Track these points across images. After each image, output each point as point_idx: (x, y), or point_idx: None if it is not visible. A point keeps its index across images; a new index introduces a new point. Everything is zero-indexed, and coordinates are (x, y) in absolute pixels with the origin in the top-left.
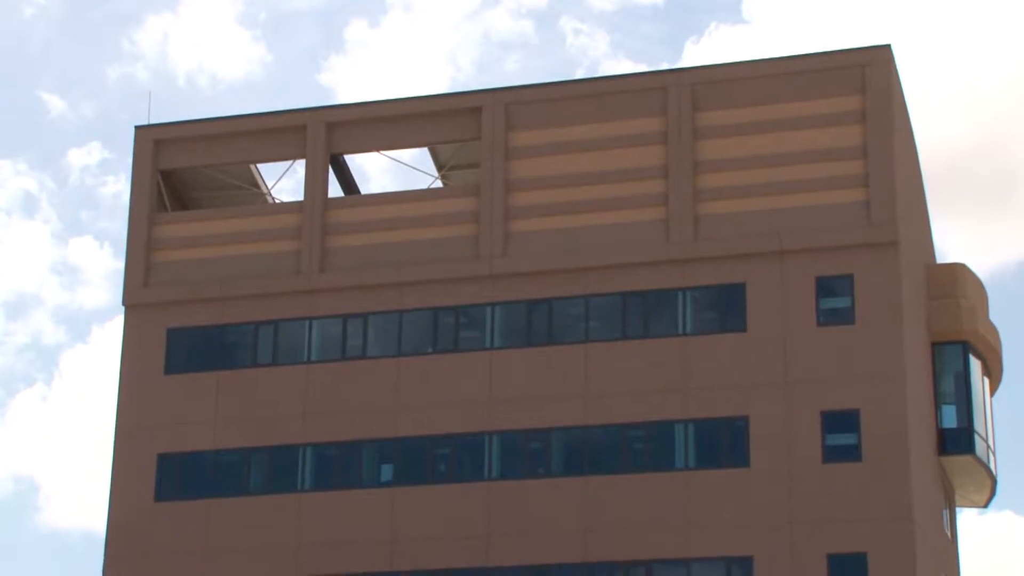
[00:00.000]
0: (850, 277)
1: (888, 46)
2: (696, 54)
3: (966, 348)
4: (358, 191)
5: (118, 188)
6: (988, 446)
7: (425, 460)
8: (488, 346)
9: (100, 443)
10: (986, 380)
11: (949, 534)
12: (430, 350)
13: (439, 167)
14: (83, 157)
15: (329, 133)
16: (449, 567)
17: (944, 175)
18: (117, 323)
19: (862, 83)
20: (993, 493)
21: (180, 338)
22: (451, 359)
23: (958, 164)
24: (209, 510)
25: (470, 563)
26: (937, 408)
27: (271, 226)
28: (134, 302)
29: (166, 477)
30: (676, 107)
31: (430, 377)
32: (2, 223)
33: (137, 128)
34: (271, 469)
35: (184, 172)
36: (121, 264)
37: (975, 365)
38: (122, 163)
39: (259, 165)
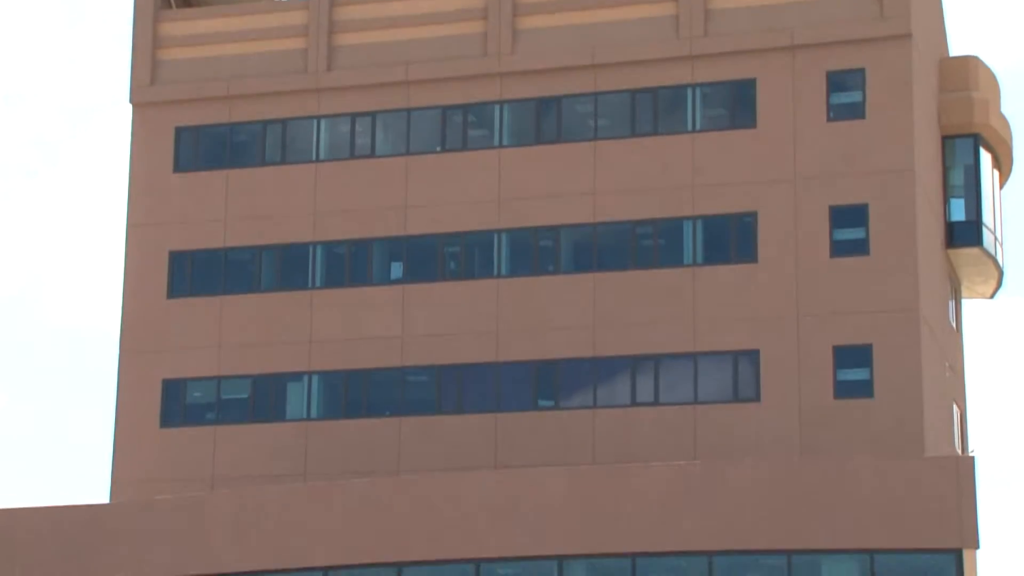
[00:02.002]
0: (861, 71)
1: None
2: None
3: (977, 141)
4: None
5: None
6: (996, 238)
7: (435, 258)
8: (497, 144)
9: (106, 240)
10: (996, 173)
11: (954, 325)
12: (439, 148)
13: None
14: None
15: None
16: (459, 363)
17: None
18: (120, 118)
19: None
20: (999, 285)
21: (188, 137)
22: (460, 157)
23: None
24: (222, 306)
25: (479, 359)
26: (946, 201)
27: (278, 23)
28: (141, 100)
29: (178, 274)
30: None
31: (439, 175)
32: (4, 12)
33: None
34: (281, 267)
35: None
36: (126, 59)
37: (985, 158)
38: None
39: None
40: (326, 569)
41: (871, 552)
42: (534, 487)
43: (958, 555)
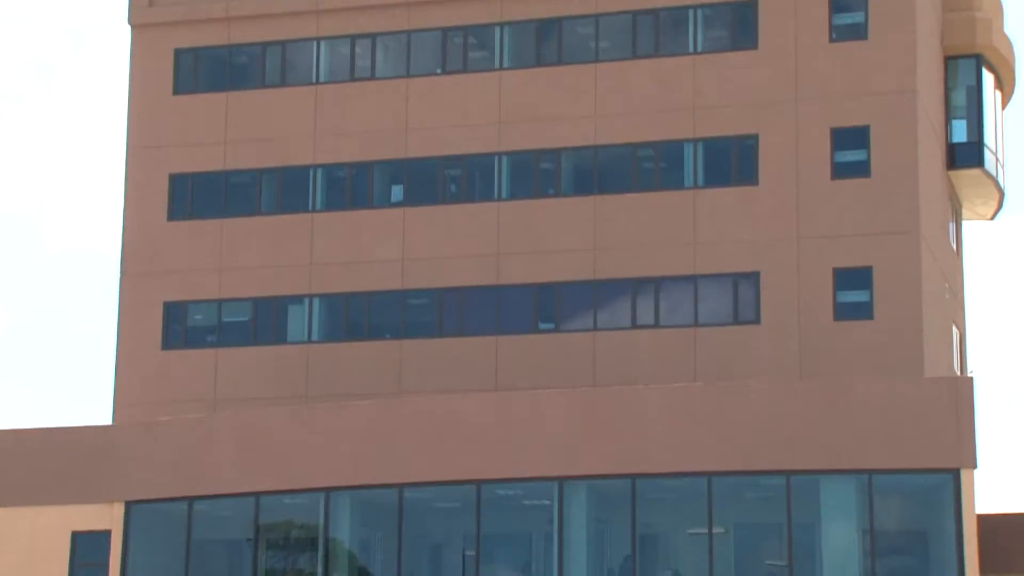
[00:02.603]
0: None
1: None
2: None
3: (979, 61)
4: None
5: None
6: (997, 159)
7: (435, 180)
8: (497, 66)
9: (107, 162)
10: (998, 94)
11: (955, 247)
12: (439, 70)
13: None
14: None
15: None
16: (459, 285)
17: None
18: (119, 38)
19: None
20: (1000, 206)
21: (187, 59)
22: (460, 79)
23: None
24: (222, 229)
25: (480, 282)
26: (947, 123)
27: None
28: (140, 22)
29: (178, 197)
30: None
31: (439, 98)
32: None
33: None
34: (282, 189)
35: None
36: None
37: (988, 79)
38: None
39: None
40: (328, 490)
41: (869, 472)
42: (534, 409)
43: (956, 475)
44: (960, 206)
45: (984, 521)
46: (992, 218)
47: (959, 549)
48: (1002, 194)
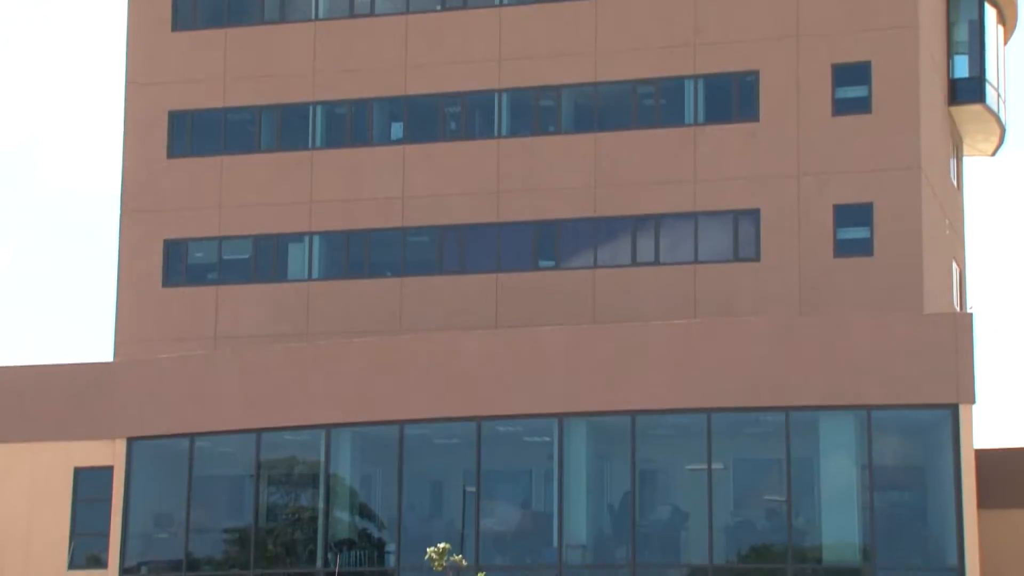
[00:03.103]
0: None
1: None
2: None
3: None
4: None
5: None
6: (999, 95)
7: (435, 118)
8: (497, 3)
9: (106, 99)
10: (1000, 28)
11: (955, 183)
12: (438, 7)
13: None
14: None
15: None
16: (459, 223)
17: None
18: None
19: None
20: (1001, 142)
21: None
22: (460, 16)
23: None
24: (222, 166)
25: (480, 219)
26: (949, 58)
27: None
28: None
29: (178, 134)
30: None
31: (439, 35)
32: None
33: None
34: (281, 127)
35: None
36: None
37: (990, 13)
38: None
39: None
40: (328, 427)
41: (868, 408)
42: (534, 346)
43: (954, 410)
44: (961, 142)
45: (982, 456)
46: (993, 154)
47: (957, 484)
48: (1003, 130)
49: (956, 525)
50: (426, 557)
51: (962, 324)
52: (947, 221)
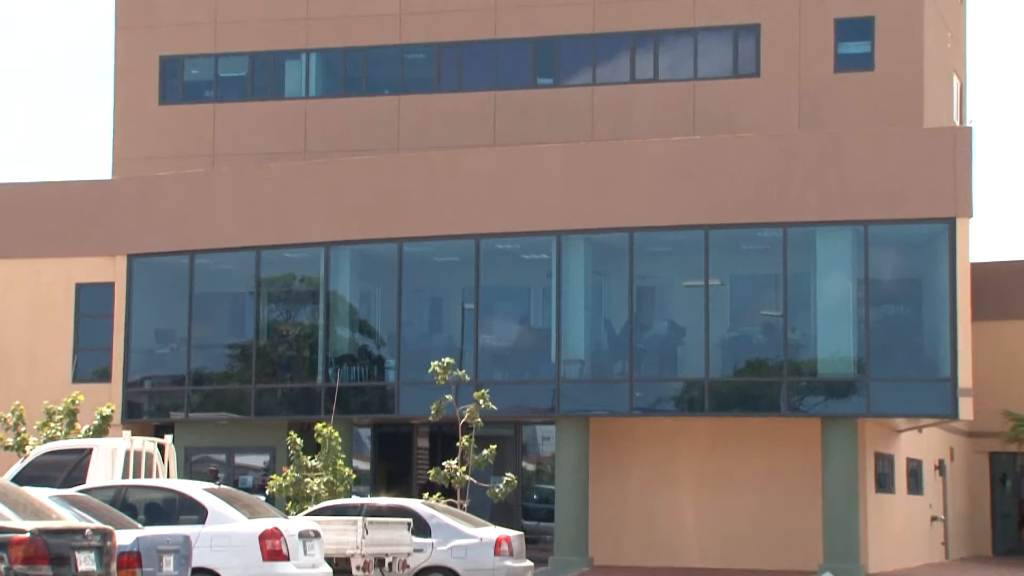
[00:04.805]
0: None
1: None
2: None
3: None
4: None
5: None
6: None
7: None
8: None
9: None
10: None
11: None
12: None
13: None
14: None
15: None
16: (457, 40)
17: None
18: None
19: None
20: None
21: None
22: None
23: None
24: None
25: (478, 36)
26: None
27: None
28: None
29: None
30: None
31: None
32: None
33: None
34: None
35: None
36: None
37: None
38: None
39: None
40: (328, 244)
41: (866, 223)
42: (533, 164)
43: (951, 223)
44: None
45: (977, 269)
46: None
47: (952, 296)
48: None
49: (950, 337)
50: (430, 371)
51: (961, 138)
52: (949, 34)
